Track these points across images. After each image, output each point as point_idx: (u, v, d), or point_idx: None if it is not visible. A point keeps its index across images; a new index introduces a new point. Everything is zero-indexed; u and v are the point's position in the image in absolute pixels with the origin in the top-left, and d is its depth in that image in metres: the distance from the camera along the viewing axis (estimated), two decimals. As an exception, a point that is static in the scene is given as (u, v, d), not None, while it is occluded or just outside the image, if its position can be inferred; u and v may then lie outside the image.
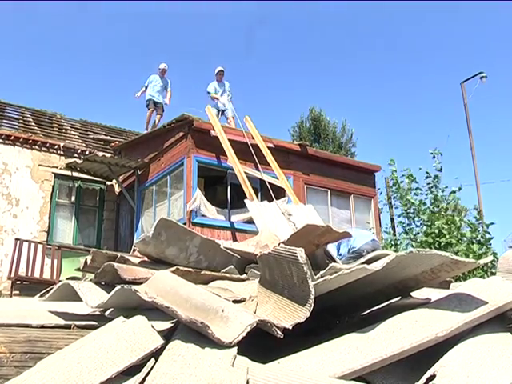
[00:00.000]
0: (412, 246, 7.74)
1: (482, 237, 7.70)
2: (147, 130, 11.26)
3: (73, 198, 11.29)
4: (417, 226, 8.43)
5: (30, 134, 11.17)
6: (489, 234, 7.79)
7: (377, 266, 1.88)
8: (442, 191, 8.35)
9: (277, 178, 8.81)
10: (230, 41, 45.75)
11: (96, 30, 44.89)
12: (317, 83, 40.97)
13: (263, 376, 1.44)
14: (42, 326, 2.17)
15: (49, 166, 11.04)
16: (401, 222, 8.97)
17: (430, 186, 8.41)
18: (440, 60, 42.59)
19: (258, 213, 7.54)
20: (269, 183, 8.51)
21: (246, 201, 7.94)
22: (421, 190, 8.46)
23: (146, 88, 11.67)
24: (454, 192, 8.28)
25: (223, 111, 10.87)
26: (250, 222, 8.42)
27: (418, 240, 7.60)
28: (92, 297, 2.52)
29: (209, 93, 11.09)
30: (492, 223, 8.03)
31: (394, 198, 9.46)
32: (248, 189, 8.20)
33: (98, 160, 10.17)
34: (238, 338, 1.61)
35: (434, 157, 8.42)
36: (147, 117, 11.69)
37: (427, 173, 8.48)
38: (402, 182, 8.66)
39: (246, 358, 1.57)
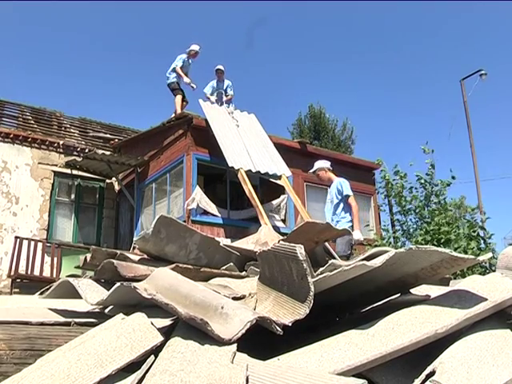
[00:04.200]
0: (416, 242, 7.66)
1: (481, 237, 7.64)
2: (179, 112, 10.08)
3: (72, 196, 11.29)
4: (416, 225, 8.36)
5: (30, 132, 11.15)
6: (484, 229, 7.73)
7: (376, 262, 1.87)
8: (436, 185, 8.26)
9: None
10: (229, 38, 45.69)
11: (95, 28, 44.84)
12: (316, 80, 40.96)
13: (263, 373, 1.44)
14: (42, 324, 2.18)
15: (48, 164, 11.02)
16: (397, 219, 8.92)
17: (422, 183, 8.30)
18: (440, 58, 42.57)
19: (210, 111, 9.39)
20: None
21: (200, 101, 9.63)
22: (416, 189, 8.38)
23: (174, 69, 10.46)
24: (448, 184, 8.19)
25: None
26: (251, 219, 8.43)
27: (418, 239, 7.52)
28: (91, 294, 2.52)
29: (205, 93, 10.88)
30: (488, 218, 7.98)
31: (386, 196, 9.37)
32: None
33: (97, 158, 10.15)
34: (238, 335, 1.61)
35: (425, 151, 8.25)
36: (177, 104, 10.39)
37: (418, 176, 8.36)
38: (394, 180, 8.53)
39: (245, 354, 1.57)
